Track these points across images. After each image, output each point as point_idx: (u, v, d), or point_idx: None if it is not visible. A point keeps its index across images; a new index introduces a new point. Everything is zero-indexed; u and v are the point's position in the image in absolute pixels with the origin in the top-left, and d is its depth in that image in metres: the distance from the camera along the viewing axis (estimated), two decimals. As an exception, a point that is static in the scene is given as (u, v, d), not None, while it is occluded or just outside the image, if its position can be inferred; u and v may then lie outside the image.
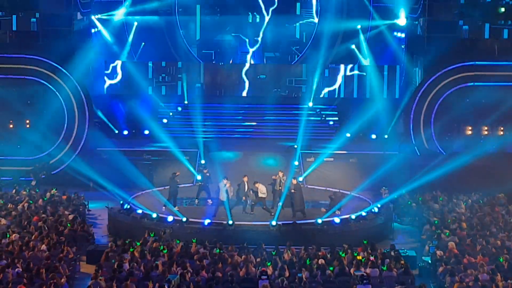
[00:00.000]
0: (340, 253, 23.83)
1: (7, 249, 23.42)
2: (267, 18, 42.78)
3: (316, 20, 42.78)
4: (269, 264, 22.64)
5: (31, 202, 29.52)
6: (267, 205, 29.71)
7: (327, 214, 28.93)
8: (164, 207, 29.55)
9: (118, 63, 43.26)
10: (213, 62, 43.92)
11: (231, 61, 43.95)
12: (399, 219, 31.01)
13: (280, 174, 30.59)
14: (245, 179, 29.87)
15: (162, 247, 24.06)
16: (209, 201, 30.94)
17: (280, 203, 29.26)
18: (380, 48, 42.84)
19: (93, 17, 41.92)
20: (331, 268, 22.38)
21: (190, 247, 24.22)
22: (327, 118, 42.44)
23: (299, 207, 29.21)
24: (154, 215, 28.09)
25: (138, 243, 24.52)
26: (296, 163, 36.42)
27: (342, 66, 43.00)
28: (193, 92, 43.72)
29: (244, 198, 29.68)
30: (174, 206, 29.50)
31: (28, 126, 37.24)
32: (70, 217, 28.03)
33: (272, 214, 28.98)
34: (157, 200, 30.44)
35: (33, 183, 34.38)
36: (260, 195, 29.52)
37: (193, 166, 35.30)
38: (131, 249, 23.83)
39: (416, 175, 33.33)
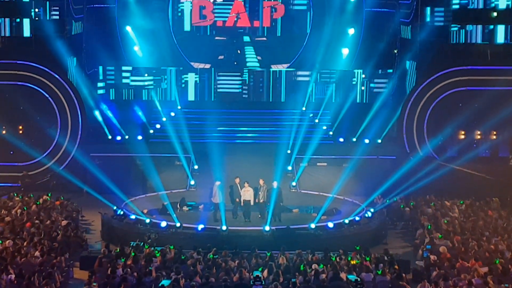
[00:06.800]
0: (333, 258, 23.82)
1: (0, 256, 23.32)
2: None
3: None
4: (261, 269, 22.62)
5: (25, 208, 29.41)
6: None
7: (316, 218, 28.83)
8: (145, 210, 29.53)
9: (111, 68, 43.11)
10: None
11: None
12: (392, 224, 31.04)
13: (261, 182, 29.50)
14: (237, 180, 29.73)
15: (156, 251, 24.08)
16: (201, 206, 30.89)
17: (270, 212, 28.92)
18: (373, 53, 42.90)
19: (86, 23, 41.90)
20: (321, 266, 22.55)
21: (183, 253, 24.15)
22: (320, 123, 42.40)
23: (274, 211, 29.05)
24: (148, 221, 28.04)
25: (134, 254, 24.27)
26: (290, 168, 36.45)
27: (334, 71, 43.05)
28: (186, 97, 43.64)
29: (237, 200, 29.59)
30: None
31: (21, 132, 37.16)
32: (64, 223, 27.96)
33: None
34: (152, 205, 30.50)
35: (22, 189, 34.36)
36: (244, 197, 29.34)
37: (187, 171, 35.39)
38: (122, 260, 23.68)
39: (409, 180, 33.34)
